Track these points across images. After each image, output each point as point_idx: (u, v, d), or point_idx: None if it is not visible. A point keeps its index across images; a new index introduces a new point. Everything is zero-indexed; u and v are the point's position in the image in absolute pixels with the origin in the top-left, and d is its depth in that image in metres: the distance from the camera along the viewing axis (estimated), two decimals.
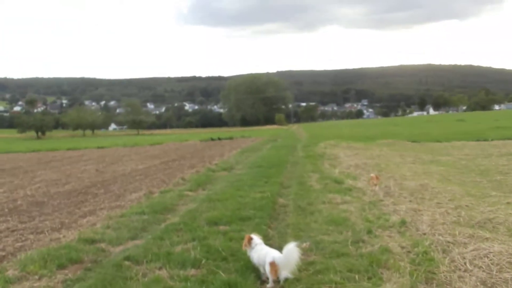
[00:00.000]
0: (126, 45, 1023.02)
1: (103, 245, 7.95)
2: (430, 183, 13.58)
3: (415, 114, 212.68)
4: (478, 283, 5.79)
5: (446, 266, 6.35)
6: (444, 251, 7.03)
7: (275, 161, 22.29)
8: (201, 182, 15.84)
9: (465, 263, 6.43)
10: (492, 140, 32.71)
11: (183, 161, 26.27)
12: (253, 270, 6.36)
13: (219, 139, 55.65)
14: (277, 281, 5.97)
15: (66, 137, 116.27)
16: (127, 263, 6.81)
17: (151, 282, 6.02)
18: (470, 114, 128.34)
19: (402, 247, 7.32)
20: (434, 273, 6.17)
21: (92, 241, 8.15)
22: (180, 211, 10.97)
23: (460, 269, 6.27)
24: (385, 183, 13.64)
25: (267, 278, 6.05)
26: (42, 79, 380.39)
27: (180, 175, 18.52)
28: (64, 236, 8.93)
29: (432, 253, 6.90)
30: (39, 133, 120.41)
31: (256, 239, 6.47)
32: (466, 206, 10.33)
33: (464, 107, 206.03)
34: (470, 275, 6.05)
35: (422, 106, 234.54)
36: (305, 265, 6.48)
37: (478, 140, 33.23)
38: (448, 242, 7.46)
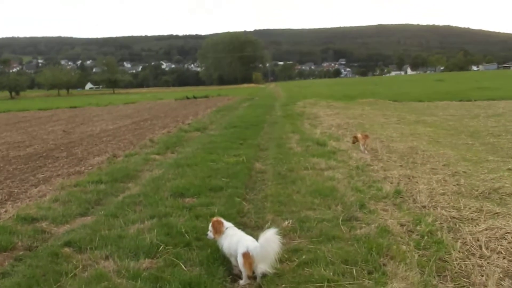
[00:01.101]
0: (104, 3, 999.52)
1: (44, 224, 6.56)
2: (419, 146, 12.86)
3: (393, 73, 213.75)
4: (501, 275, 4.66)
5: (459, 252, 5.23)
6: (451, 230, 6.01)
7: (252, 121, 21.29)
8: (171, 144, 14.61)
9: (480, 247, 5.39)
10: (475, 100, 31.94)
11: (155, 121, 25.21)
12: (223, 260, 5.02)
13: (194, 97, 54.21)
14: (252, 277, 4.66)
15: (40, 97, 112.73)
16: (67, 250, 5.45)
17: (91, 279, 4.64)
18: (448, 74, 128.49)
19: (402, 225, 6.22)
20: (446, 261, 5.05)
21: (33, 220, 6.77)
22: (143, 179, 9.65)
23: (474, 255, 5.21)
24: (371, 145, 12.79)
25: (240, 272, 4.72)
26: (18, 38, 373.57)
27: (150, 136, 17.23)
28: (6, 211, 7.71)
29: (438, 233, 5.81)
30: (13, 94, 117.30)
31: (226, 222, 5.13)
32: (464, 172, 9.52)
33: (442, 68, 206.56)
34: (488, 263, 4.96)
35: (400, 66, 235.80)
36: (288, 254, 5.17)
37: (461, 101, 32.50)
38: (454, 218, 6.50)
